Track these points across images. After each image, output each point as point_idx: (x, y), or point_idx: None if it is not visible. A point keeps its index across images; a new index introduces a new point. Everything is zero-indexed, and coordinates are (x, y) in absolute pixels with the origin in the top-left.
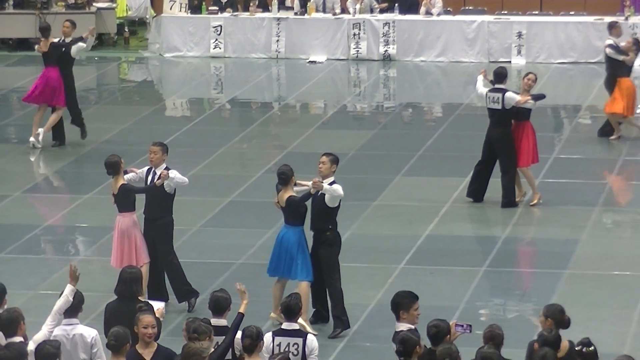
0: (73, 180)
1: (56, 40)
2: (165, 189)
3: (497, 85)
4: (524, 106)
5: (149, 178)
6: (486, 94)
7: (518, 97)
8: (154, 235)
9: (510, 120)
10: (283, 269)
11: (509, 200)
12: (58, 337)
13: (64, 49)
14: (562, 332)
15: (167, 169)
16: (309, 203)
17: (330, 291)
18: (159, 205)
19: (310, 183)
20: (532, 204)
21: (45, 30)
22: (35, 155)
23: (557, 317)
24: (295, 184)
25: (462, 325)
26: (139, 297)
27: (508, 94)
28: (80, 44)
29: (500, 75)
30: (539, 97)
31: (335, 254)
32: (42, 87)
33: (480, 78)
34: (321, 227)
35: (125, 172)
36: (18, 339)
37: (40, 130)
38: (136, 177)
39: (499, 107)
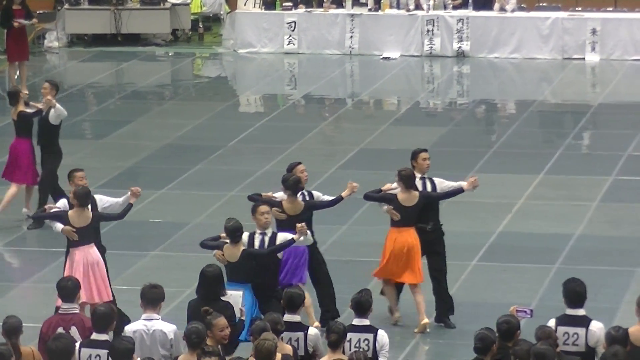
0: (147, 176)
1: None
2: None
3: None
4: None
5: None
6: None
7: None
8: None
9: None
10: None
11: None
12: (138, 332)
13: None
14: None
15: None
16: None
17: None
18: None
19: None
20: None
21: (12, 96)
22: (110, 151)
23: None
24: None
25: (525, 310)
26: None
27: None
28: (58, 106)
29: None
30: None
31: None
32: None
33: None
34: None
35: (44, 210)
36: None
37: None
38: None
39: None
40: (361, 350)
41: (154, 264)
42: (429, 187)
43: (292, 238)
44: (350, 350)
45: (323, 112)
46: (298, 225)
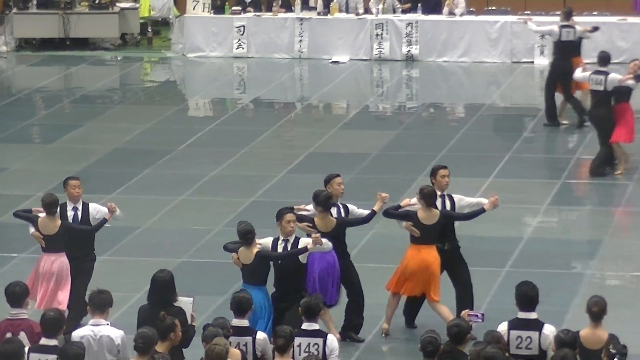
0: (97, 180)
1: None
2: None
3: (600, 68)
4: (626, 84)
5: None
6: (589, 76)
7: (619, 77)
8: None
9: (610, 102)
10: None
11: (596, 168)
12: (85, 337)
13: None
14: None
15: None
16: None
17: None
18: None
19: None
20: (616, 173)
21: None
22: (59, 155)
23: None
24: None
25: (476, 315)
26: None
27: (611, 75)
28: None
29: (604, 59)
30: (638, 77)
31: None
32: None
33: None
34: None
35: (30, 211)
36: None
37: None
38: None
39: (602, 88)
40: (312, 354)
41: (102, 269)
42: (447, 205)
43: (306, 246)
44: (300, 355)
45: (289, 113)
46: (313, 235)
